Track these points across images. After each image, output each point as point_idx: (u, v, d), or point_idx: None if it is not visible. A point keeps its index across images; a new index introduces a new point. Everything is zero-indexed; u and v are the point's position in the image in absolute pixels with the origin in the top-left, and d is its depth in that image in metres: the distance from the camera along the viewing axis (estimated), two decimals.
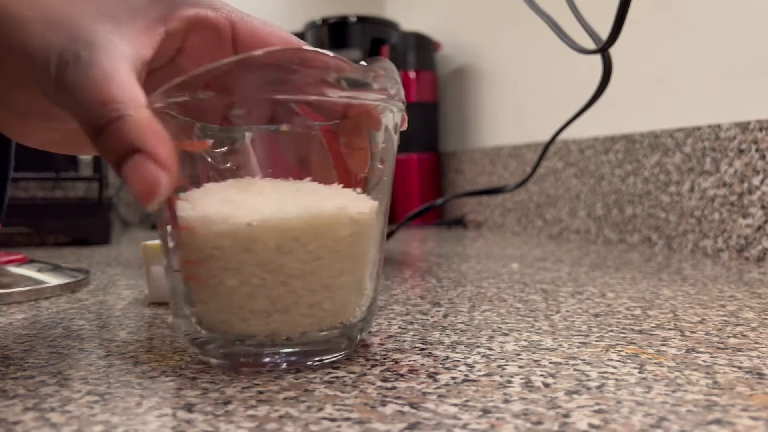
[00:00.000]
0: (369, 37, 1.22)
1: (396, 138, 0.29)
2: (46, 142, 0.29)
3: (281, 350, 0.27)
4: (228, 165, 0.29)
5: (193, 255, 0.27)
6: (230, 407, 0.23)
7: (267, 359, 0.28)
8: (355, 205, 0.27)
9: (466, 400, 0.24)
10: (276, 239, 0.26)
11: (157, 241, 0.43)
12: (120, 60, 0.24)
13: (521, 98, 1.08)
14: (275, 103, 0.27)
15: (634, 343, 0.32)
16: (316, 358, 0.28)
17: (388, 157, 0.29)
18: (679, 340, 0.33)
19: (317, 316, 0.27)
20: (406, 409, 0.23)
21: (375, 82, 0.27)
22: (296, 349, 0.27)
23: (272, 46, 0.28)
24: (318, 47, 0.26)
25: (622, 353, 0.30)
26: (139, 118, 0.23)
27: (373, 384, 0.26)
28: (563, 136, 0.87)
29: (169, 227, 0.27)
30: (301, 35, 1.27)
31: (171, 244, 0.28)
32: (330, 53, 0.26)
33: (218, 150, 0.29)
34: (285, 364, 0.28)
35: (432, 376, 0.27)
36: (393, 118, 0.29)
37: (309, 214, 0.26)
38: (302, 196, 0.27)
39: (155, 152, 0.23)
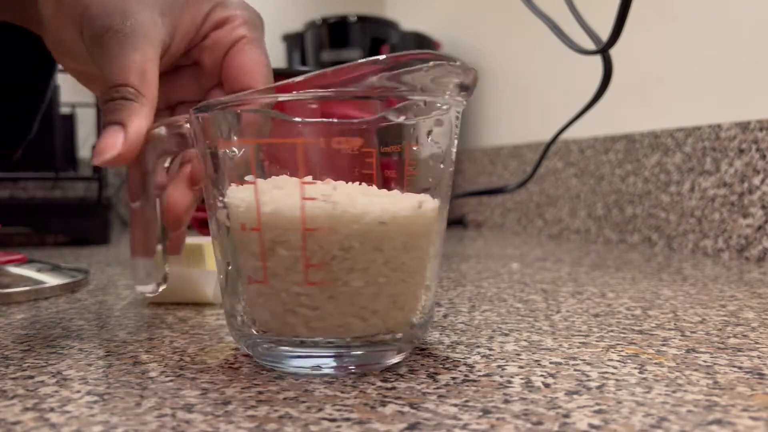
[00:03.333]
0: (369, 37, 1.21)
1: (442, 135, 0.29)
2: (74, 70, 0.35)
3: (396, 346, 0.27)
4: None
5: (314, 258, 0.25)
6: (230, 407, 0.23)
7: (387, 357, 0.27)
8: (431, 205, 0.28)
9: (466, 401, 0.24)
10: (403, 237, 0.26)
11: None
12: (150, 47, 0.29)
13: (521, 98, 1.08)
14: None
15: (634, 344, 0.32)
16: (409, 352, 0.29)
17: (446, 157, 0.29)
18: (680, 340, 0.33)
19: (418, 310, 0.28)
20: (406, 409, 0.23)
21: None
22: (404, 344, 0.28)
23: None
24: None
25: (623, 353, 0.30)
26: (135, 107, 0.29)
27: (372, 384, 0.26)
28: (563, 135, 0.87)
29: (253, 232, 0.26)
30: (301, 35, 1.27)
31: (256, 251, 0.26)
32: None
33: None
34: (397, 358, 0.28)
35: (432, 376, 0.27)
36: (455, 119, 0.29)
37: (418, 213, 0.26)
38: (393, 197, 0.26)
39: (128, 131, 0.28)
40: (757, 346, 0.31)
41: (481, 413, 0.22)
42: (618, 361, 0.29)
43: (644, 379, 0.26)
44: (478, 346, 0.31)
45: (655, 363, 0.28)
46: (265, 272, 0.26)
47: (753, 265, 0.61)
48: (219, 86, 0.34)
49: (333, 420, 0.22)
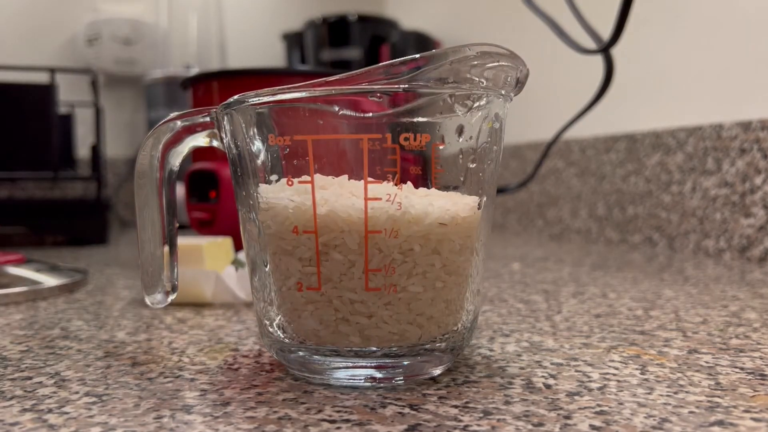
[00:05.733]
0: (369, 36, 1.21)
1: (493, 132, 0.28)
2: None
3: (445, 354, 0.26)
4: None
5: (373, 263, 0.24)
6: (229, 408, 0.23)
7: (434, 365, 0.26)
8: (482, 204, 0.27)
9: (467, 402, 0.23)
10: (460, 239, 0.25)
11: None
12: None
13: (522, 97, 1.07)
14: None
15: (635, 344, 0.32)
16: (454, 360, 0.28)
17: (481, 155, 0.27)
18: (681, 340, 0.32)
19: (470, 315, 0.27)
20: (406, 410, 0.23)
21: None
22: (454, 352, 0.27)
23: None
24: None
25: (624, 354, 0.30)
26: None
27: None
28: (564, 135, 0.87)
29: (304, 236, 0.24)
30: (300, 34, 1.27)
31: (306, 257, 0.25)
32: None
33: None
34: (443, 368, 0.27)
35: (432, 377, 0.26)
36: (502, 113, 0.27)
37: (476, 214, 0.26)
38: (449, 197, 0.25)
39: None
40: (759, 346, 0.31)
41: (481, 415, 0.22)
42: (619, 361, 0.29)
43: (646, 380, 0.26)
44: (479, 347, 0.31)
45: (657, 364, 0.28)
46: (319, 278, 0.24)
47: (755, 266, 0.61)
48: None
49: (333, 421, 0.22)
